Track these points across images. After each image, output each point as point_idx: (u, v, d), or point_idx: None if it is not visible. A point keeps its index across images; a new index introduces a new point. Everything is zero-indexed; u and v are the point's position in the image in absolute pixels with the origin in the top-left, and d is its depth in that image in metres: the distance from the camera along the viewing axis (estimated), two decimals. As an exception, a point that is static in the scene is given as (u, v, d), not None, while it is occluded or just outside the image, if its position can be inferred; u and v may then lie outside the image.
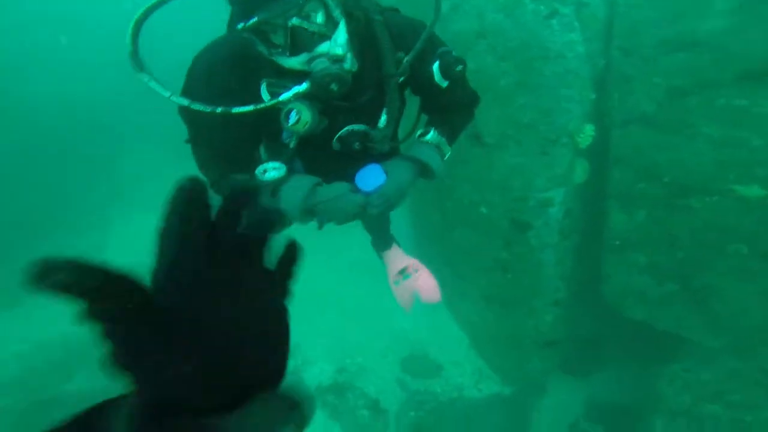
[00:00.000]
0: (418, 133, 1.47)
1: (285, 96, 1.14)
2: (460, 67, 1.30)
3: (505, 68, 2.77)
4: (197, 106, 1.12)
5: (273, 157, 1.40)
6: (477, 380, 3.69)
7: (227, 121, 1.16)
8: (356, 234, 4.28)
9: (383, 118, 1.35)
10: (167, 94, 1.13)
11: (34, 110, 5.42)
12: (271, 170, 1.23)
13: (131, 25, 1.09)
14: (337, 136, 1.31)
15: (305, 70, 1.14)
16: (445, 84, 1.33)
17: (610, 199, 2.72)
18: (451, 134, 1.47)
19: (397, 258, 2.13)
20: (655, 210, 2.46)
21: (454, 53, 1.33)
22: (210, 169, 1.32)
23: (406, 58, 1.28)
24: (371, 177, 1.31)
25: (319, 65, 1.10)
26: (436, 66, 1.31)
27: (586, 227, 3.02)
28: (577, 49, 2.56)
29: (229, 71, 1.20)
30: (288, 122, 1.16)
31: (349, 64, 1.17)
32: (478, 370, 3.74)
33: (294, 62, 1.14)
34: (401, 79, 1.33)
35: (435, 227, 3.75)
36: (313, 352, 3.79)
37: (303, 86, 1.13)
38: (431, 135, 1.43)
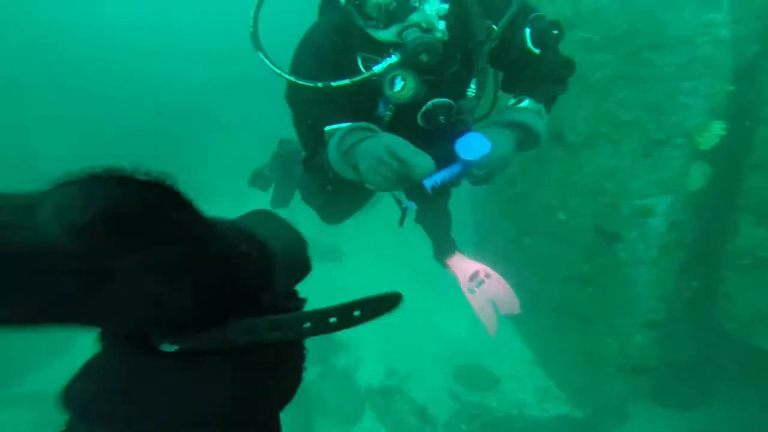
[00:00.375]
0: (511, 102, 1.36)
1: (378, 68, 1.15)
2: (556, 32, 1.26)
3: (600, 59, 2.44)
4: (302, 81, 1.19)
5: None
6: (541, 398, 3.40)
7: (328, 97, 1.22)
8: (419, 242, 4.27)
9: (472, 88, 1.32)
10: (278, 71, 1.21)
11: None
12: (338, 125, 1.25)
13: (255, 5, 1.21)
14: (422, 110, 1.29)
15: (397, 42, 1.15)
16: (537, 51, 1.28)
17: (741, 211, 2.27)
18: (546, 101, 1.36)
19: (465, 264, 1.98)
20: None
21: (548, 18, 1.27)
22: (308, 146, 1.36)
23: (498, 25, 1.24)
24: (474, 145, 1.19)
25: (411, 35, 1.11)
26: (527, 32, 1.26)
27: (697, 241, 2.58)
28: (718, 33, 2.15)
29: (332, 46, 1.25)
30: (393, 89, 1.17)
31: (441, 33, 1.17)
32: (542, 388, 3.44)
33: (386, 34, 1.16)
34: (490, 47, 1.28)
35: (501, 234, 3.50)
36: (365, 352, 3.79)
37: (394, 57, 1.14)
38: (527, 102, 1.32)
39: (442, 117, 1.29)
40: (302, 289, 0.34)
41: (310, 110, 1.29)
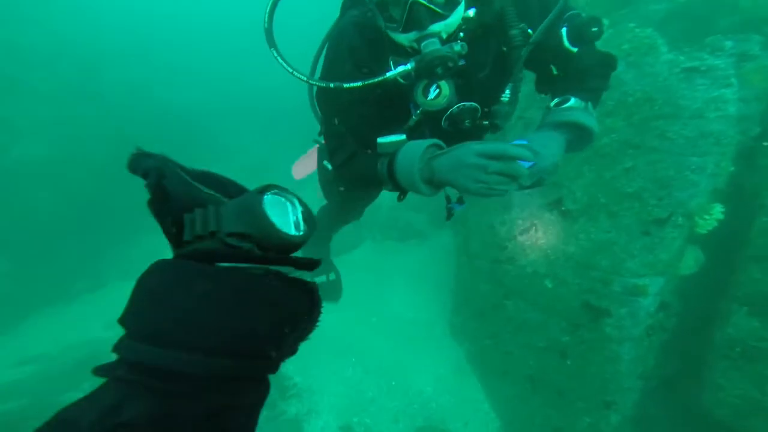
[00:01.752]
0: (554, 103, 1.27)
1: (391, 74, 1.13)
2: (595, 29, 1.22)
3: (611, 124, 2.24)
4: (314, 82, 1.19)
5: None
6: (502, 473, 3.13)
7: (357, 99, 1.21)
8: (390, 290, 4.06)
9: (506, 93, 1.31)
10: (290, 69, 1.20)
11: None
12: (391, 137, 1.23)
13: (270, 2, 1.21)
14: (447, 113, 1.27)
15: (414, 48, 1.12)
16: (575, 50, 1.25)
17: (734, 301, 2.15)
18: (593, 98, 1.27)
19: None
20: None
21: (584, 15, 1.25)
22: (341, 149, 1.32)
23: (534, 28, 1.22)
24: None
25: (430, 46, 1.08)
26: (564, 31, 1.24)
27: (682, 325, 2.45)
28: (727, 109, 2.01)
29: (367, 46, 1.22)
30: (427, 96, 1.17)
31: (459, 46, 1.10)
32: (508, 461, 3.17)
33: (403, 38, 1.13)
34: (527, 51, 1.25)
35: (482, 297, 3.22)
36: (322, 402, 3.36)
37: (408, 65, 1.10)
38: (573, 101, 1.23)
39: (467, 121, 1.27)
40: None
41: (345, 114, 1.27)
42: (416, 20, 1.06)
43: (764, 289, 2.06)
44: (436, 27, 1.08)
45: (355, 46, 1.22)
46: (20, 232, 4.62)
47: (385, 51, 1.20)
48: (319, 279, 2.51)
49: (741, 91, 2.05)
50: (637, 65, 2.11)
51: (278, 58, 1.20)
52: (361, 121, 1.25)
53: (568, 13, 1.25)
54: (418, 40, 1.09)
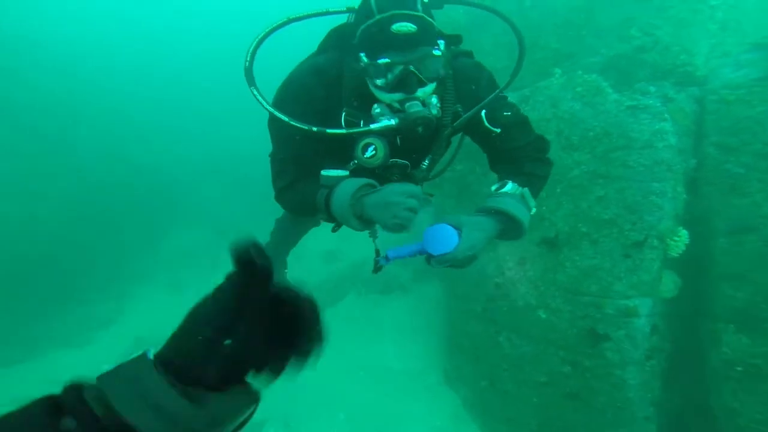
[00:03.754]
0: (493, 188, 1.39)
1: (375, 126, 1.23)
2: (508, 113, 1.35)
3: (579, 158, 2.43)
4: (297, 124, 1.25)
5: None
6: None
7: (310, 137, 1.27)
8: (378, 342, 3.90)
9: (426, 162, 1.44)
10: (272, 109, 1.27)
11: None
12: (335, 171, 1.32)
13: (254, 42, 1.30)
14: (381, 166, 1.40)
15: (397, 108, 1.25)
16: (498, 130, 1.36)
17: (719, 320, 2.25)
18: (531, 184, 1.38)
19: None
20: None
21: (508, 99, 1.39)
22: (284, 174, 1.41)
23: (462, 117, 1.35)
24: (441, 239, 1.22)
25: (414, 107, 1.21)
26: (483, 113, 1.35)
27: (676, 351, 2.50)
28: (669, 140, 2.26)
29: (325, 93, 1.31)
30: (364, 155, 1.28)
31: (435, 110, 1.28)
32: None
33: (389, 98, 1.24)
34: (449, 132, 1.38)
35: (475, 339, 3.15)
36: None
37: (392, 122, 1.22)
38: (509, 186, 1.34)
39: (396, 176, 1.42)
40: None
41: (294, 145, 1.35)
42: (405, 85, 1.19)
43: (741, 306, 2.19)
44: (420, 92, 1.23)
45: (312, 89, 1.31)
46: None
47: (340, 102, 1.32)
48: None
49: (675, 126, 2.34)
50: (591, 105, 2.36)
51: (258, 97, 1.28)
52: (307, 155, 1.36)
53: (492, 95, 1.36)
54: (402, 101, 1.22)
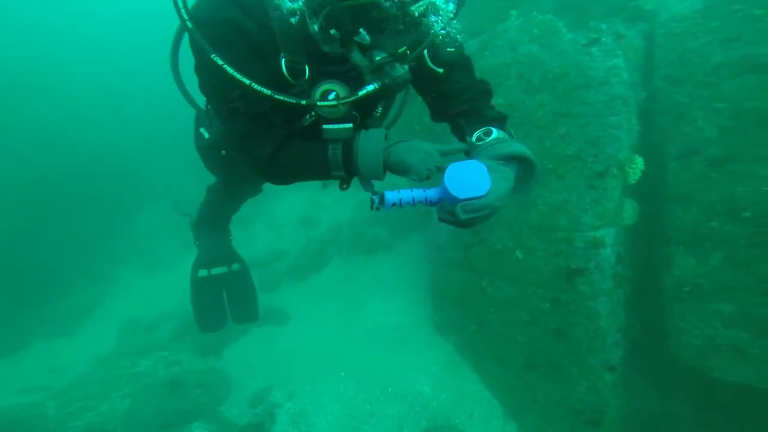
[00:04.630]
0: (475, 136, 1.22)
1: (362, 93, 1.14)
2: (451, 49, 1.27)
3: (541, 99, 2.55)
4: (261, 89, 1.11)
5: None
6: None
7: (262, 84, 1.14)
8: (368, 301, 4.01)
9: (379, 110, 1.39)
10: (212, 54, 1.10)
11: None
12: (337, 125, 1.24)
13: None
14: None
15: (369, 66, 1.12)
16: (440, 70, 1.29)
17: (671, 243, 2.41)
18: (501, 124, 1.25)
19: None
20: (738, 251, 2.15)
21: (445, 36, 1.24)
22: (265, 137, 1.25)
23: (407, 58, 1.21)
24: (470, 181, 0.96)
25: (399, 71, 1.11)
26: (426, 53, 1.27)
27: (638, 276, 2.67)
28: (622, 75, 2.40)
29: (262, 35, 1.16)
30: (324, 101, 1.18)
31: (407, 69, 1.16)
32: (521, 446, 3.09)
33: (362, 59, 1.11)
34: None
35: (459, 286, 3.29)
36: (319, 424, 3.10)
37: (373, 86, 1.13)
38: (496, 133, 1.17)
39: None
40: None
41: (249, 101, 1.17)
42: (372, 46, 1.06)
43: (689, 226, 2.35)
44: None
45: (246, 28, 1.13)
46: None
47: (278, 50, 1.16)
48: (219, 270, 2.24)
49: (626, 62, 2.47)
50: (548, 46, 2.48)
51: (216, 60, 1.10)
52: (267, 111, 1.19)
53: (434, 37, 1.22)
54: (380, 61, 1.08)
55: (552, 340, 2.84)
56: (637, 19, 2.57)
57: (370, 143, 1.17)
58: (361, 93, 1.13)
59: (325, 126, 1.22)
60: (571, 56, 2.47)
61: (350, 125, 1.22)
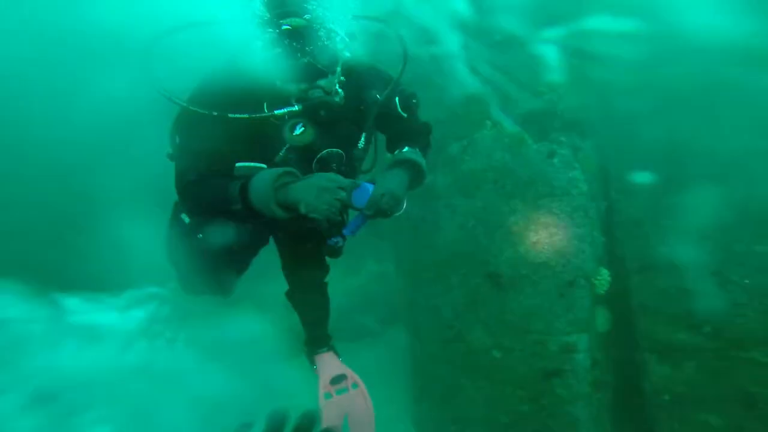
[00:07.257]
0: (395, 153, 1.61)
1: (279, 111, 1.37)
2: (414, 100, 1.66)
3: (514, 206, 2.72)
4: (197, 108, 1.32)
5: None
6: None
7: (229, 132, 1.35)
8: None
9: (362, 140, 1.58)
10: (172, 98, 1.35)
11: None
12: (251, 163, 1.40)
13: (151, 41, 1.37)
14: (317, 157, 1.51)
15: (301, 96, 1.39)
16: (405, 115, 1.63)
17: (645, 351, 2.47)
18: (422, 150, 1.65)
19: (333, 364, 1.77)
20: (708, 362, 2.20)
21: (407, 90, 1.66)
22: (195, 168, 1.40)
23: (381, 95, 1.56)
24: (362, 194, 1.42)
25: (316, 93, 1.39)
26: (397, 99, 1.61)
27: (618, 383, 2.68)
28: (582, 187, 2.59)
29: (246, 88, 1.37)
30: (293, 132, 1.41)
31: (339, 98, 1.45)
32: None
33: (294, 89, 1.38)
34: (376, 110, 1.56)
35: (440, 381, 3.23)
36: None
37: (296, 107, 1.37)
38: (407, 150, 1.58)
39: (334, 164, 1.53)
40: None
41: (210, 142, 1.36)
42: (309, 74, 1.36)
43: (659, 337, 2.43)
44: (322, 82, 1.40)
45: (234, 86, 1.37)
46: None
47: (262, 100, 1.39)
48: None
49: (585, 173, 2.69)
50: (518, 154, 2.69)
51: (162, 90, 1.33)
52: (224, 151, 1.38)
53: (399, 88, 1.62)
54: (307, 90, 1.38)
55: (533, 445, 2.76)
56: (591, 132, 2.84)
57: (260, 181, 1.29)
58: (277, 112, 1.35)
59: (237, 164, 1.38)
60: (536, 166, 2.68)
61: (263, 165, 1.39)
